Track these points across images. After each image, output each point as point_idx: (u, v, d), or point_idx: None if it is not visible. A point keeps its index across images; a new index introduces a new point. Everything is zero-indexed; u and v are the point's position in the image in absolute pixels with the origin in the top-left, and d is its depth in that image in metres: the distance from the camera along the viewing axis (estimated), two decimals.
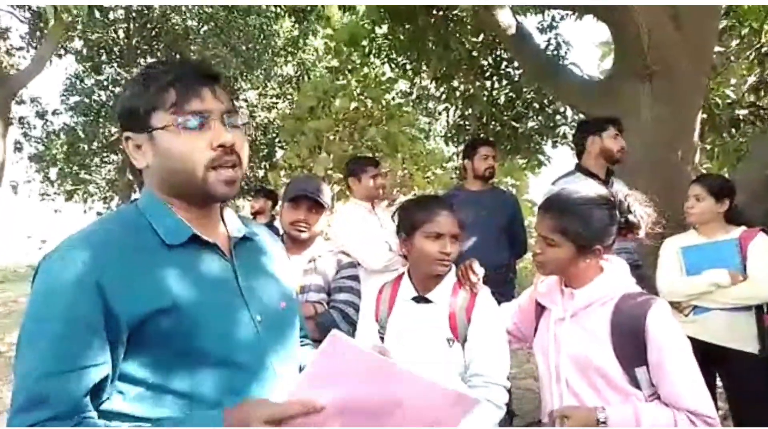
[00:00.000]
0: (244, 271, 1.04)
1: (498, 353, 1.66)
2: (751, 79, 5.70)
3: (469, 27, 6.03)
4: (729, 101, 5.67)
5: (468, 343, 1.66)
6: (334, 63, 8.38)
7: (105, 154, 13.09)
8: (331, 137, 7.73)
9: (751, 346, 2.51)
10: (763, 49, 5.18)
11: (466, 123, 7.25)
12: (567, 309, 1.56)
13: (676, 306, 2.70)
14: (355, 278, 2.15)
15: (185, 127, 0.95)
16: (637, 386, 1.45)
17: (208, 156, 0.96)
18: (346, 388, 0.86)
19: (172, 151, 0.95)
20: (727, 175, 5.20)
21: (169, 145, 0.95)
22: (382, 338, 1.73)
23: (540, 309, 1.68)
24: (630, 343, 1.44)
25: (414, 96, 8.43)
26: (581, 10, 5.32)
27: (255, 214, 4.68)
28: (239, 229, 1.09)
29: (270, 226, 4.63)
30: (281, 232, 2.29)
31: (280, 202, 4.36)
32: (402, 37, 6.20)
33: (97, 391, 0.87)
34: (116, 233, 0.95)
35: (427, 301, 1.73)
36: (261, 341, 1.00)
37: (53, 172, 13.41)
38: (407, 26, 5.93)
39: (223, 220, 1.08)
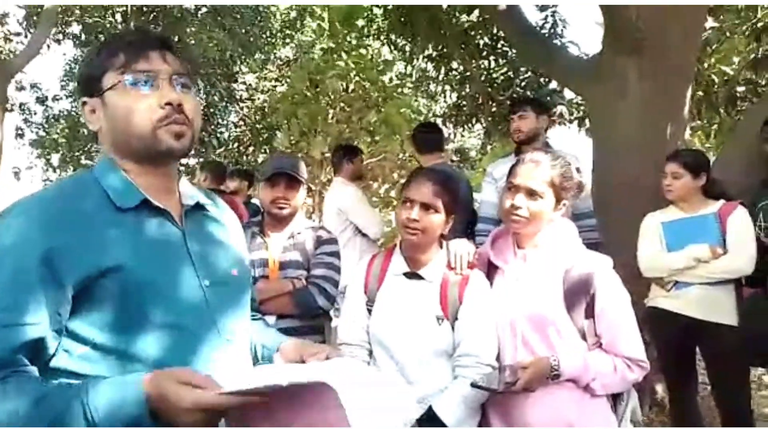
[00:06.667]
0: (195, 237, 1.06)
1: (488, 334, 1.65)
2: (749, 56, 5.62)
3: (461, 6, 5.95)
4: (726, 78, 5.60)
5: (458, 323, 1.65)
6: (330, 44, 8.31)
7: None
8: (328, 120, 7.71)
9: (731, 319, 2.55)
10: (760, 24, 5.10)
11: (463, 104, 7.21)
12: (521, 270, 1.67)
13: (657, 281, 2.73)
14: (335, 254, 2.17)
15: (132, 84, 0.99)
16: (584, 337, 1.62)
17: (156, 114, 0.99)
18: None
19: (121, 110, 0.99)
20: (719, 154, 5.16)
21: (118, 103, 1.00)
22: (369, 311, 1.74)
23: (492, 267, 1.75)
24: (580, 299, 1.59)
25: (414, 78, 8.35)
26: None
27: (231, 193, 4.71)
28: (192, 198, 1.11)
29: (247, 205, 4.71)
30: (262, 210, 2.33)
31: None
32: (398, 16, 6.11)
33: (38, 349, 0.90)
34: (68, 196, 0.98)
35: (419, 277, 1.72)
36: (208, 305, 1.03)
37: (55, 158, 13.43)
38: (401, 7, 5.87)
39: (178, 189, 1.11)
